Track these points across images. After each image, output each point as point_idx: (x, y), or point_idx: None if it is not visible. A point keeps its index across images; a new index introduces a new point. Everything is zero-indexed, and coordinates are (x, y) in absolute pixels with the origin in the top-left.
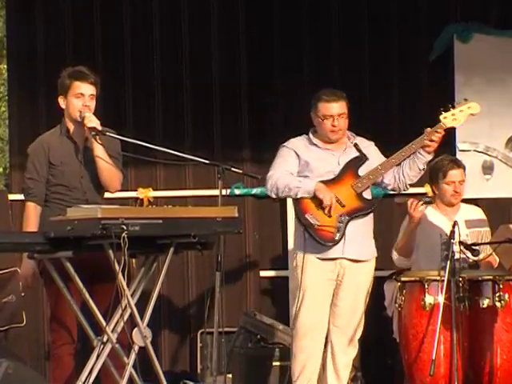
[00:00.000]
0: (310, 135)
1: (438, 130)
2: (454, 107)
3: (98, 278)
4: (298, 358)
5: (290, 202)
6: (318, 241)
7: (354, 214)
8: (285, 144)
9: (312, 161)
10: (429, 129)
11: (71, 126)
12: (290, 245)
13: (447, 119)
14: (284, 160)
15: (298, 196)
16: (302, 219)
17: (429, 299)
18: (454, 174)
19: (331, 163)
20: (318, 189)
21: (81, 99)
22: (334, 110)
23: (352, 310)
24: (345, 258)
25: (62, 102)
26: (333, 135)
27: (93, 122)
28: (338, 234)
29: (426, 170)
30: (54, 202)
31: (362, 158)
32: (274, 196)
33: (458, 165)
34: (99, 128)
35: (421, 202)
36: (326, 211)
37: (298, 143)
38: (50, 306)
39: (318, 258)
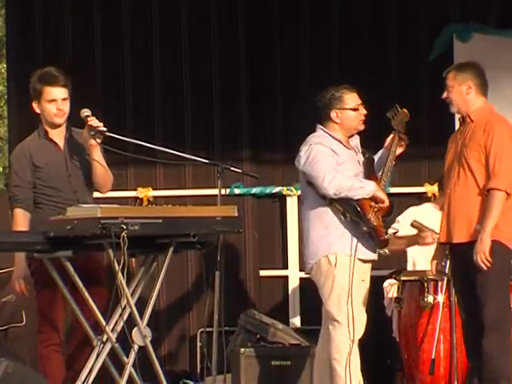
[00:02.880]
0: (330, 131)
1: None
2: (396, 114)
3: (89, 282)
4: (354, 364)
5: (289, 201)
6: (378, 242)
7: (386, 215)
8: (318, 141)
9: (347, 161)
10: (396, 134)
11: (49, 130)
12: (291, 244)
13: (399, 126)
14: (327, 161)
15: (359, 197)
16: (365, 221)
17: (428, 299)
18: None
19: (357, 164)
20: (378, 189)
21: (54, 104)
22: (358, 98)
23: None
24: (375, 260)
25: (36, 106)
26: (362, 125)
27: (95, 121)
28: (386, 235)
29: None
30: (45, 203)
31: (372, 158)
32: (333, 196)
33: None
34: (101, 128)
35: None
36: (380, 212)
37: (329, 141)
38: (38, 307)
39: (361, 260)
